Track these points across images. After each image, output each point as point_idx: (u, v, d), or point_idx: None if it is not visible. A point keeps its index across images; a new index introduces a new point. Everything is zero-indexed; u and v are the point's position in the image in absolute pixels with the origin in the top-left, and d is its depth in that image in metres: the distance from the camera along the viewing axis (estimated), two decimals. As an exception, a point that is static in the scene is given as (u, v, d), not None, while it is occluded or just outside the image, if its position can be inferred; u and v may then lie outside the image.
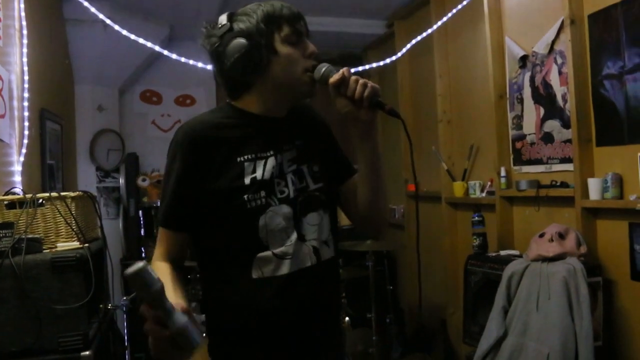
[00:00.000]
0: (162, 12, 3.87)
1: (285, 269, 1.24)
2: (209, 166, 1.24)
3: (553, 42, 2.71)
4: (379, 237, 3.51)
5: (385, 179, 1.37)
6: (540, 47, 2.81)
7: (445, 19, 3.53)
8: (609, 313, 2.37)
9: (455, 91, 3.71)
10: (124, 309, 2.59)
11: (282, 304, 1.24)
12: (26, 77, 2.53)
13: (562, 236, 2.42)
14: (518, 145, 3.02)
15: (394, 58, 4.03)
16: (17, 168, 2.39)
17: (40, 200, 1.83)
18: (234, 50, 1.23)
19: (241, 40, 1.23)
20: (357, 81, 1.21)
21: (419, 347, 3.86)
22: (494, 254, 2.89)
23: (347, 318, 3.22)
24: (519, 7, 3.03)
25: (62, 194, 1.88)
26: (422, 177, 4.03)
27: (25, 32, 2.55)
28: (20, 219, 1.77)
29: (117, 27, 3.22)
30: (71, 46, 3.81)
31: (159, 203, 2.02)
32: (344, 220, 1.40)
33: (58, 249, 1.82)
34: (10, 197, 1.87)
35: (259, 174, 1.25)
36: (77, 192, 1.96)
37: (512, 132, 3.07)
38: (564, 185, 2.64)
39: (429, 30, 3.66)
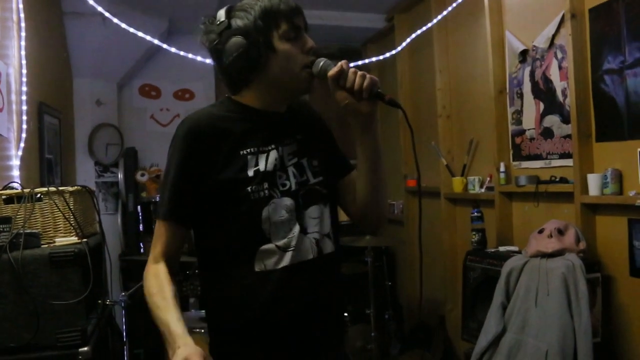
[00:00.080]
0: (161, 5, 3.85)
1: (287, 261, 1.24)
2: (215, 158, 1.24)
3: (553, 37, 2.70)
4: (378, 232, 3.51)
5: (385, 174, 1.36)
6: (541, 42, 2.80)
7: (445, 12, 3.51)
8: (608, 309, 2.37)
9: (455, 86, 3.69)
10: (123, 304, 2.60)
11: (283, 295, 1.24)
12: (24, 71, 2.52)
13: (561, 232, 2.41)
14: (517, 140, 3.01)
15: (393, 52, 4.02)
16: (15, 162, 2.39)
17: (39, 195, 1.82)
18: (232, 49, 1.23)
19: (239, 39, 1.22)
20: (355, 73, 1.21)
21: (418, 343, 3.86)
22: (492, 250, 2.89)
23: (345, 314, 3.22)
24: (519, 0, 3.01)
25: (61, 188, 1.87)
26: (421, 173, 3.96)
27: (23, 25, 2.53)
28: (18, 213, 1.76)
29: (115, 21, 3.20)
30: (69, 39, 3.79)
31: (157, 198, 2.01)
32: (342, 216, 1.40)
33: (56, 244, 1.81)
34: (8, 191, 1.85)
35: (261, 166, 1.25)
36: (76, 187, 1.95)
37: (511, 127, 3.06)
38: (564, 180, 2.64)
39: (429, 24, 3.64)
